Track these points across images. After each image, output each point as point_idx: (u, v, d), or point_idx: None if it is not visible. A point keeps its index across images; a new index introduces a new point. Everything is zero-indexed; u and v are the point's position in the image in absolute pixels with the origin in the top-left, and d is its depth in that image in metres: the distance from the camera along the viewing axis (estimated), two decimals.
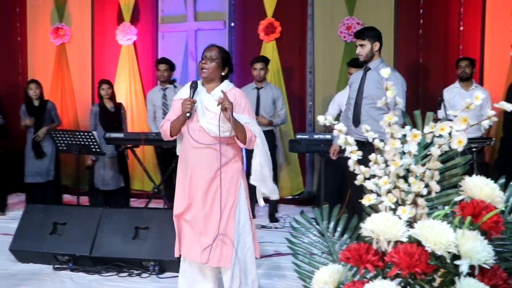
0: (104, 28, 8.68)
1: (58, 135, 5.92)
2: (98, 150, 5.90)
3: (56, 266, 4.63)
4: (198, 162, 3.43)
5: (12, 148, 7.35)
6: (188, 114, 3.34)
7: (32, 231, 4.78)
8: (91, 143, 5.81)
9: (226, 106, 3.24)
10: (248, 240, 3.53)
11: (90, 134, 5.81)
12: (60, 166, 7.32)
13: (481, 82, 6.70)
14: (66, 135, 5.88)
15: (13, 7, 8.96)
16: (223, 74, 3.53)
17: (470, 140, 5.20)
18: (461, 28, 7.02)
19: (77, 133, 5.90)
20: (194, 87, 3.43)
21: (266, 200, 7.01)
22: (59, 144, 5.95)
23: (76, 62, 8.81)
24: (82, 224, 4.71)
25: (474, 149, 5.22)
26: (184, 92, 3.55)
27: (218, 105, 3.27)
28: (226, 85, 3.51)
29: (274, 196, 3.58)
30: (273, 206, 6.63)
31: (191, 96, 3.40)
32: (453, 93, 6.14)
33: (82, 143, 5.82)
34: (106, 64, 8.67)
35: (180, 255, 3.61)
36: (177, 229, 3.57)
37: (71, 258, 4.59)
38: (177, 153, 3.68)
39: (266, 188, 3.51)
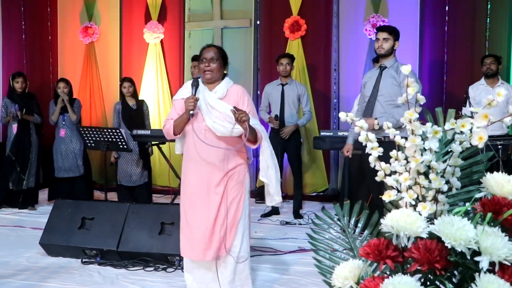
0: (132, 26, 8.79)
1: (86, 132, 6.01)
2: (125, 146, 5.98)
3: (84, 260, 4.71)
4: (205, 160, 3.43)
5: (44, 144, 7.47)
6: (191, 112, 3.34)
7: (61, 226, 4.86)
8: (118, 140, 5.89)
9: (244, 119, 3.20)
10: (246, 235, 3.52)
11: (117, 131, 5.90)
12: (90, 163, 7.46)
13: (508, 79, 6.61)
14: (94, 132, 5.97)
15: (45, 7, 9.13)
16: (225, 72, 3.53)
17: (495, 137, 5.20)
18: (488, 25, 6.93)
19: (105, 130, 5.99)
20: (195, 85, 3.42)
21: (290, 197, 7.12)
22: (87, 141, 6.05)
23: (104, 60, 8.95)
24: (109, 219, 4.78)
25: (499, 146, 5.18)
26: (184, 91, 3.55)
27: (235, 119, 3.22)
28: (227, 82, 3.52)
29: (276, 201, 3.54)
30: (297, 202, 6.65)
31: (193, 93, 3.39)
32: (478, 90, 6.08)
33: (110, 139, 5.91)
34: (134, 62, 8.77)
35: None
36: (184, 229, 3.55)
37: (98, 252, 4.67)
38: (176, 152, 3.71)
39: (272, 188, 3.49)
